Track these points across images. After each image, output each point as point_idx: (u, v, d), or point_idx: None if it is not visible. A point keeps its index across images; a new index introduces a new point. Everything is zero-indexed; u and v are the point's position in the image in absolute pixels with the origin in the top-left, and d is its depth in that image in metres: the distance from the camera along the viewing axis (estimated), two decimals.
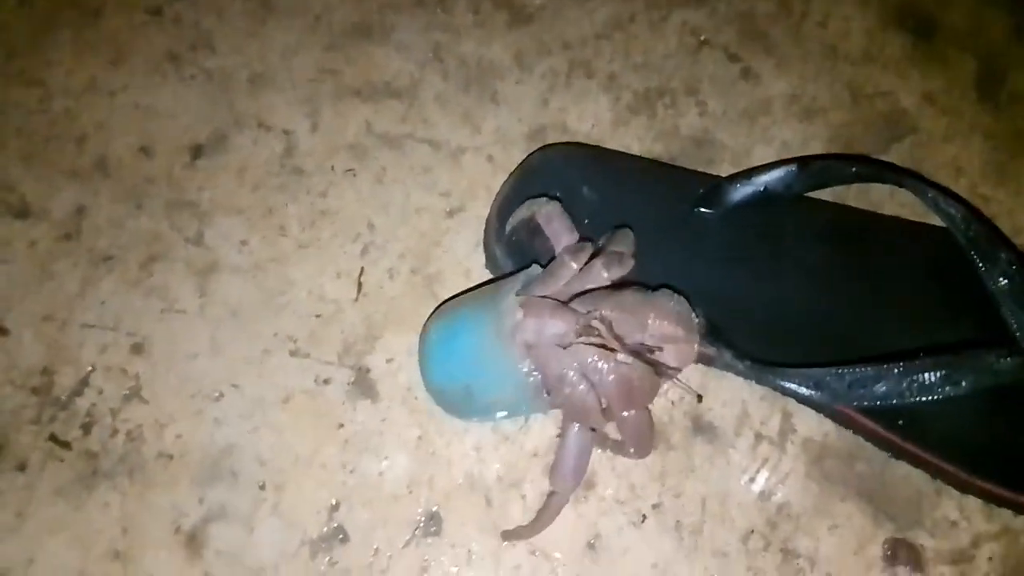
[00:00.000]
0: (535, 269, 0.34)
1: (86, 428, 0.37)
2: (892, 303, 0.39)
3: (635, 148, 0.46)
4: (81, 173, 0.43)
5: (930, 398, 0.35)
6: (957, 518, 0.37)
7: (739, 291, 0.39)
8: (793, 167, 0.40)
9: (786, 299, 0.39)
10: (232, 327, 0.39)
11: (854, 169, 0.40)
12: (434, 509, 0.36)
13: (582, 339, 0.30)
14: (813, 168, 0.40)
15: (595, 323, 0.30)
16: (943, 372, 0.35)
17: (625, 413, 0.32)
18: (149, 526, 0.35)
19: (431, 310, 0.39)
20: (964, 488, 0.37)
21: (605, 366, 0.30)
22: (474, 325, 0.34)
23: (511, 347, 0.31)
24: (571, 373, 0.31)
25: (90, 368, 0.38)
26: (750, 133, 0.47)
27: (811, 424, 0.39)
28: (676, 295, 0.32)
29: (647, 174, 0.42)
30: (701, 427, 0.38)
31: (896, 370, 0.35)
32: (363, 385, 0.38)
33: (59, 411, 0.37)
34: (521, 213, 0.37)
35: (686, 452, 0.38)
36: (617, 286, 0.33)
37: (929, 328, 0.38)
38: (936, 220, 0.40)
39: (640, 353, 0.30)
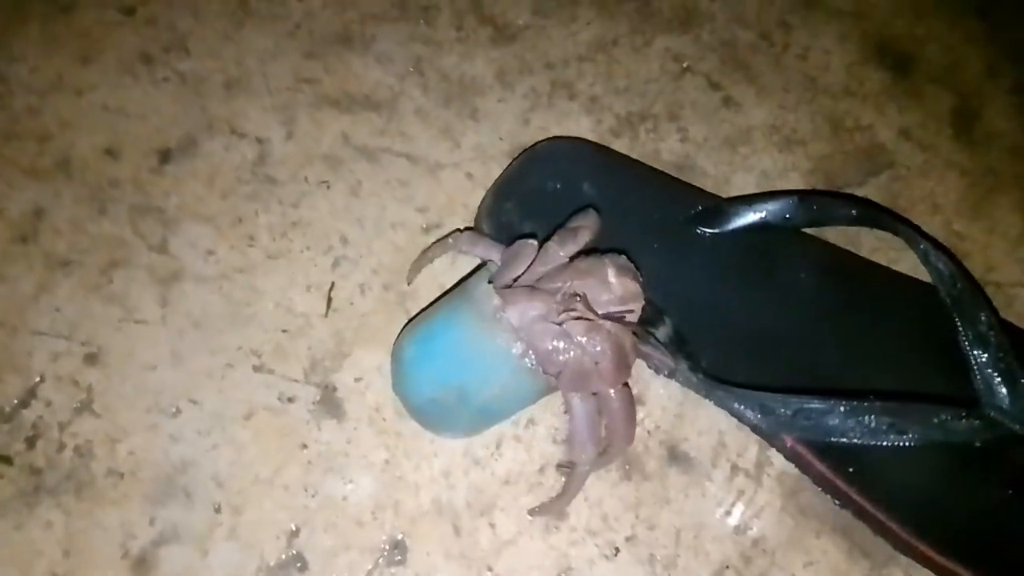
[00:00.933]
0: (493, 265, 0.34)
1: (30, 442, 0.35)
2: (872, 348, 0.39)
3: None
4: (41, 173, 0.41)
5: (875, 443, 0.34)
6: None
7: (721, 308, 0.38)
8: (793, 200, 0.40)
9: (766, 325, 0.38)
10: (194, 339, 0.38)
11: (853, 211, 0.40)
12: (399, 536, 0.34)
13: (564, 313, 0.30)
14: (812, 204, 0.40)
15: (568, 296, 0.31)
16: (890, 419, 0.34)
17: (616, 380, 0.32)
18: (95, 548, 0.33)
19: (402, 328, 0.38)
20: (904, 550, 0.35)
21: (590, 334, 0.31)
22: (453, 322, 0.33)
23: (498, 332, 0.31)
24: (562, 343, 0.31)
25: (39, 378, 0.36)
26: (731, 161, 0.47)
27: None
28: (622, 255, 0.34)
29: (649, 181, 0.42)
30: (677, 457, 0.38)
31: (843, 407, 0.34)
32: (329, 404, 0.37)
33: (2, 423, 0.35)
34: (435, 252, 0.38)
35: (661, 482, 0.37)
36: (572, 259, 0.34)
37: (903, 378, 0.38)
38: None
39: (614, 316, 0.31)
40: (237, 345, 0.38)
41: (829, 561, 0.36)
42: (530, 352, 0.31)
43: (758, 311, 0.39)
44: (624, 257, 0.34)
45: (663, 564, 0.35)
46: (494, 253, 0.35)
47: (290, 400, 0.37)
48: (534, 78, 0.48)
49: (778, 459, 0.38)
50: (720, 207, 0.40)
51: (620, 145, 0.46)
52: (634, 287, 0.32)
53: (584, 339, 0.31)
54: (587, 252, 0.34)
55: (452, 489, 0.36)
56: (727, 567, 0.35)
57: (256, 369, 0.37)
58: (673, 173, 0.46)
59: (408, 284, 0.39)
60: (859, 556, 0.36)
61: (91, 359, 0.37)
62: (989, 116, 0.49)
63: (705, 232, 0.40)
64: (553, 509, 0.35)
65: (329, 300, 0.39)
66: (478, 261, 0.38)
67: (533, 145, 0.43)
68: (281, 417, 0.36)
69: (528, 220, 0.38)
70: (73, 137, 0.42)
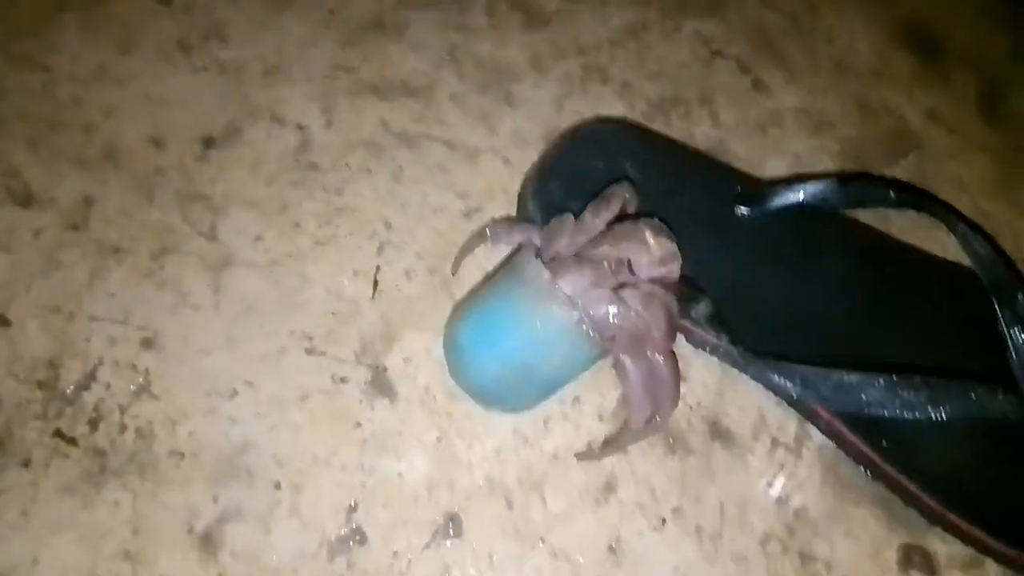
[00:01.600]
0: (533, 244, 0.36)
1: (93, 424, 0.35)
2: (910, 329, 0.40)
3: None
4: (89, 162, 0.42)
5: (911, 416, 0.35)
6: None
7: (760, 289, 0.39)
8: (833, 182, 0.40)
9: (804, 306, 0.39)
10: (247, 323, 0.38)
11: (893, 194, 0.41)
12: (454, 511, 0.35)
13: (613, 278, 0.32)
14: (853, 186, 0.41)
15: (615, 262, 0.33)
16: (927, 393, 0.35)
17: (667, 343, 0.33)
18: (162, 526, 0.34)
19: (448, 311, 0.39)
20: (936, 520, 0.36)
21: (644, 300, 0.32)
22: (508, 302, 0.34)
23: (554, 303, 0.32)
24: (616, 307, 0.32)
25: (98, 362, 0.37)
26: (762, 145, 0.48)
27: None
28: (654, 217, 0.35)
29: (690, 162, 0.43)
30: (719, 432, 0.39)
31: (881, 380, 0.35)
32: (381, 385, 0.38)
33: (65, 406, 0.36)
34: (474, 243, 0.39)
35: (705, 457, 0.38)
36: (609, 227, 0.35)
37: (940, 358, 0.38)
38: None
39: (658, 279, 0.33)
40: (289, 329, 0.38)
41: (868, 531, 0.37)
42: (585, 319, 0.32)
43: (797, 292, 0.40)
44: (657, 219, 0.35)
45: (709, 535, 0.36)
46: (532, 234, 0.36)
47: (343, 381, 0.38)
48: (567, 63, 0.49)
49: (817, 433, 0.39)
50: (761, 188, 0.41)
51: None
52: (671, 247, 0.34)
53: (639, 306, 0.32)
54: (621, 219, 0.35)
55: (503, 466, 0.37)
56: (771, 537, 0.37)
57: (309, 352, 0.38)
58: None
59: (453, 275, 0.40)
60: (897, 526, 0.37)
61: (147, 343, 0.37)
62: (1015, 98, 0.50)
63: (745, 213, 0.41)
64: (598, 455, 0.36)
65: (376, 284, 0.40)
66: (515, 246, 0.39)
67: (576, 126, 0.44)
68: (335, 398, 0.37)
69: (572, 199, 0.38)
70: (118, 126, 0.43)
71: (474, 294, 0.38)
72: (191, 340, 0.38)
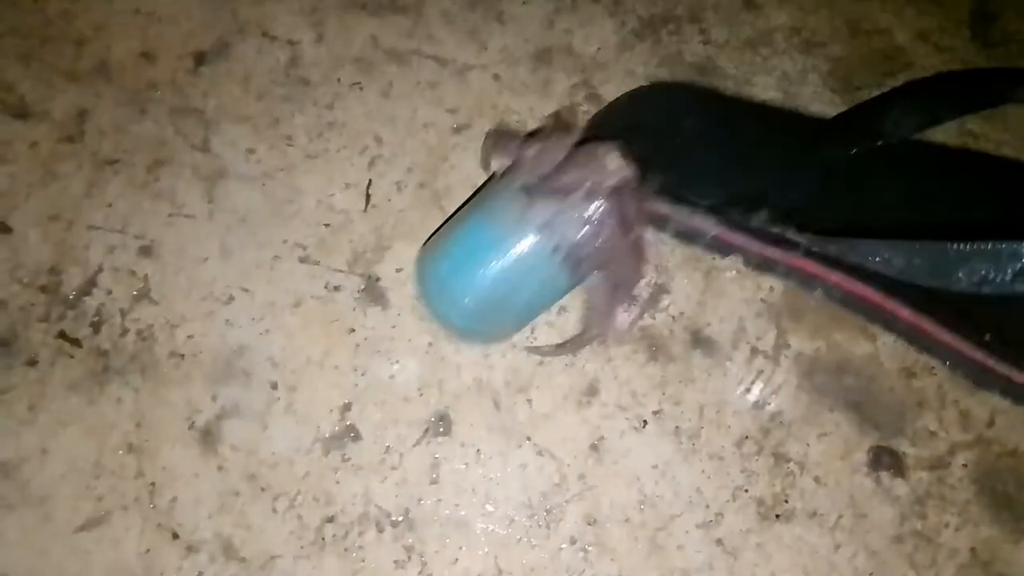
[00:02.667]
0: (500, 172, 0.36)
1: (95, 327, 0.37)
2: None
3: (639, 73, 0.46)
4: (81, 76, 0.42)
5: (1011, 291, 0.33)
6: (936, 428, 0.39)
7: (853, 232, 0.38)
8: (906, 106, 0.40)
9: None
10: (241, 233, 0.39)
11: (963, 97, 0.40)
12: (444, 411, 0.37)
13: (582, 201, 0.33)
14: (926, 105, 0.40)
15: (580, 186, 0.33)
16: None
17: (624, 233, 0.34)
18: (163, 421, 0.35)
19: (439, 224, 0.40)
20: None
21: (607, 203, 0.33)
22: (485, 230, 0.34)
23: (531, 231, 0.33)
24: (587, 228, 0.33)
25: (98, 269, 0.38)
26: (752, 62, 0.48)
27: (803, 340, 0.40)
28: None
29: (758, 115, 0.44)
30: (700, 341, 0.40)
31: (991, 245, 0.33)
32: (373, 293, 0.39)
33: (68, 309, 0.37)
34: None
35: (685, 364, 0.39)
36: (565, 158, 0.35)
37: None
38: None
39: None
40: (283, 239, 0.39)
41: (841, 433, 0.39)
42: (561, 245, 0.33)
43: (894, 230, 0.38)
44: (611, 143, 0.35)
45: (687, 435, 0.38)
46: (513, 146, 0.36)
47: (336, 289, 0.39)
48: None
49: (795, 341, 0.40)
50: (833, 128, 0.41)
51: (643, 47, 0.47)
52: (619, 160, 0.34)
53: (588, 209, 0.33)
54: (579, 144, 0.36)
55: (491, 369, 0.38)
56: (747, 438, 0.38)
57: (302, 261, 0.39)
58: (695, 75, 0.47)
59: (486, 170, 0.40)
60: (869, 428, 0.39)
61: (145, 251, 0.38)
62: (1006, 17, 0.50)
63: (822, 156, 0.41)
64: (550, 353, 0.38)
65: (368, 197, 0.41)
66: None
67: (636, 89, 0.44)
68: (328, 305, 0.38)
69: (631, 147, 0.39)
70: (108, 41, 0.43)
71: (448, 223, 0.38)
72: (187, 249, 0.39)
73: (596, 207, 0.33)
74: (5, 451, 0.34)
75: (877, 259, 0.36)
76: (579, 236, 0.33)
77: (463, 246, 0.35)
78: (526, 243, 0.33)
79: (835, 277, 0.39)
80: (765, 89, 0.47)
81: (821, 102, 0.46)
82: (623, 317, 0.36)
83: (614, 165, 0.34)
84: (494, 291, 0.34)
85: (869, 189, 0.41)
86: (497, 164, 0.37)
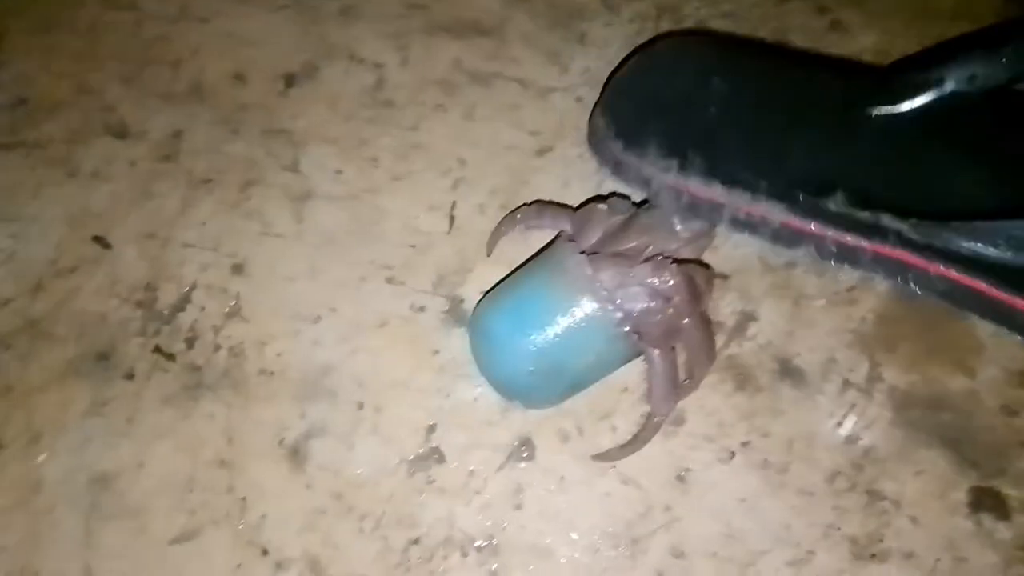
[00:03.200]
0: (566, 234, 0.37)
1: (189, 342, 0.38)
2: None
3: None
4: (177, 97, 0.43)
5: None
6: None
7: (902, 182, 0.34)
8: (987, 54, 0.32)
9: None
10: (328, 253, 0.40)
11: None
12: (527, 436, 0.37)
13: (649, 273, 0.33)
14: (1005, 53, 0.32)
15: (646, 254, 0.34)
16: None
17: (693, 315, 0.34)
18: (253, 438, 0.36)
19: (522, 248, 0.40)
20: None
21: (670, 278, 0.33)
22: (546, 292, 0.34)
23: (594, 299, 0.32)
24: (654, 302, 0.33)
25: (192, 286, 0.39)
26: None
27: (897, 373, 0.39)
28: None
29: (798, 64, 0.38)
30: (789, 371, 0.39)
31: None
32: (457, 314, 0.39)
33: (163, 325, 0.38)
34: (507, 227, 0.39)
35: (773, 394, 0.38)
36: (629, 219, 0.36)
37: None
38: None
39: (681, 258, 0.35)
40: (369, 259, 0.40)
41: (938, 471, 0.37)
42: (624, 316, 0.33)
43: (957, 196, 0.34)
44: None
45: (776, 469, 0.37)
46: (563, 221, 0.37)
47: (421, 310, 0.39)
48: (640, 3, 0.48)
49: (889, 374, 0.39)
50: (891, 80, 0.35)
51: None
52: (700, 225, 0.35)
53: (656, 281, 0.32)
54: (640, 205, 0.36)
55: (574, 396, 0.38)
56: (838, 473, 0.37)
57: (388, 281, 0.39)
58: None
59: (488, 255, 0.40)
60: (967, 467, 0.37)
61: (237, 269, 0.39)
62: None
63: (878, 112, 0.34)
64: (617, 456, 0.36)
65: (451, 219, 0.41)
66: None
67: (650, 41, 0.42)
68: (413, 326, 0.39)
69: (653, 119, 0.36)
70: (203, 63, 0.44)
71: (506, 283, 0.37)
72: (277, 267, 0.39)
73: (666, 277, 0.32)
74: (104, 462, 0.35)
75: (992, 244, 0.32)
76: (646, 307, 0.33)
77: (522, 309, 0.34)
78: (589, 311, 0.32)
79: (939, 267, 0.34)
80: None
81: None
82: (695, 371, 0.36)
83: (683, 229, 0.34)
84: (549, 358, 0.33)
85: (943, 155, 0.35)
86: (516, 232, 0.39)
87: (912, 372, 0.39)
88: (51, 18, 0.46)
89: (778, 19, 0.48)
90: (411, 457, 0.36)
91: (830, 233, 0.35)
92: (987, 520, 0.36)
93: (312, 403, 0.37)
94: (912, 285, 0.35)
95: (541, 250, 0.38)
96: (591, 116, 0.41)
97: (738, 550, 0.35)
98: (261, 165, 0.42)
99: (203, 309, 0.38)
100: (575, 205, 0.40)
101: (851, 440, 0.38)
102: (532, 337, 0.33)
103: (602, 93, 0.41)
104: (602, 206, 0.36)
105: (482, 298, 0.38)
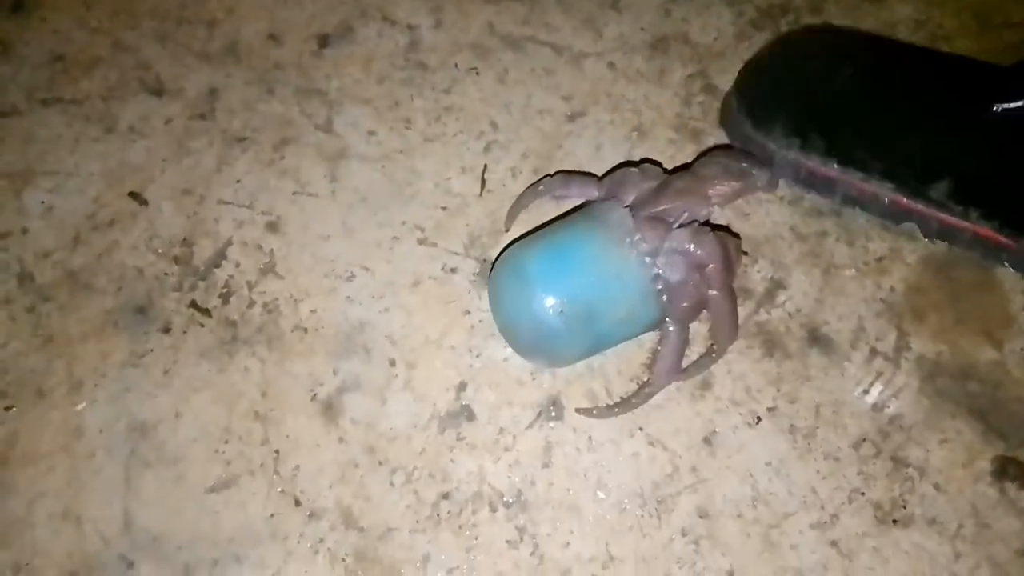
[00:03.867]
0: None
1: (225, 298, 0.38)
2: None
3: None
4: (213, 56, 0.44)
5: None
6: None
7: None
8: None
9: None
10: (362, 213, 0.40)
11: None
12: (556, 396, 0.37)
13: (687, 241, 0.33)
14: None
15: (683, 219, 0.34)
16: None
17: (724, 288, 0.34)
18: (288, 392, 0.36)
19: (553, 211, 0.40)
20: None
21: (708, 245, 0.33)
22: (586, 241, 0.34)
23: (634, 255, 0.33)
24: (691, 274, 0.33)
25: (227, 242, 0.39)
26: None
27: (925, 342, 0.39)
28: (711, 153, 0.36)
29: (924, 61, 0.40)
30: (817, 338, 0.39)
31: None
32: (487, 277, 0.39)
33: (199, 280, 0.38)
34: (528, 199, 0.39)
35: (802, 361, 0.39)
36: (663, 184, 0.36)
37: None
38: None
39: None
40: (402, 220, 0.40)
41: (964, 440, 0.37)
42: (660, 280, 0.33)
43: None
44: (712, 156, 0.36)
45: (803, 434, 0.37)
46: (591, 190, 0.37)
47: (453, 271, 0.39)
48: None
49: (917, 344, 0.39)
50: (1016, 78, 0.36)
51: (762, 38, 0.46)
52: (733, 186, 0.35)
53: (693, 246, 0.33)
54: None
55: (604, 356, 0.38)
56: (864, 440, 0.37)
57: (420, 242, 0.40)
58: None
59: (506, 230, 0.40)
60: (993, 437, 0.38)
61: (272, 227, 0.40)
62: None
63: (1004, 108, 0.35)
64: (603, 415, 0.36)
65: (483, 181, 0.41)
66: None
67: (787, 33, 0.44)
68: (445, 286, 0.39)
69: (781, 102, 0.39)
70: (238, 23, 0.45)
71: (538, 234, 0.36)
72: (311, 226, 0.40)
73: (704, 243, 0.33)
74: (143, 412, 0.36)
75: None
76: (682, 268, 0.33)
77: (561, 251, 0.34)
78: (628, 263, 0.33)
79: None
80: None
81: None
82: (718, 342, 0.36)
83: (724, 193, 0.35)
84: (581, 303, 0.33)
85: None
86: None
87: (940, 342, 0.39)
88: None
89: None
90: (442, 414, 0.37)
91: (935, 213, 0.38)
92: (1011, 489, 0.37)
93: (346, 360, 0.37)
94: (1006, 266, 0.40)
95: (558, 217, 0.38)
96: (725, 95, 0.43)
97: (763, 512, 0.36)
98: (296, 124, 0.42)
99: (238, 265, 0.39)
100: (606, 170, 0.41)
101: (878, 408, 0.38)
102: (567, 279, 0.33)
103: (737, 76, 0.43)
104: (634, 170, 0.36)
105: (500, 253, 0.38)
